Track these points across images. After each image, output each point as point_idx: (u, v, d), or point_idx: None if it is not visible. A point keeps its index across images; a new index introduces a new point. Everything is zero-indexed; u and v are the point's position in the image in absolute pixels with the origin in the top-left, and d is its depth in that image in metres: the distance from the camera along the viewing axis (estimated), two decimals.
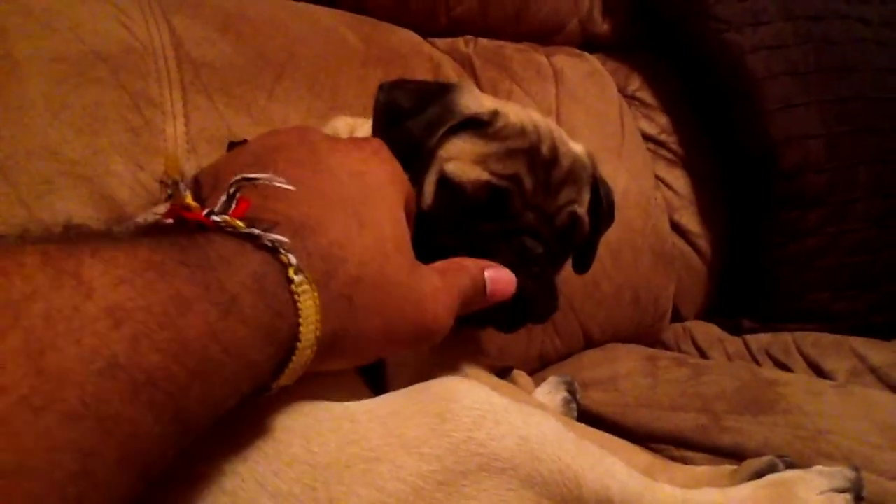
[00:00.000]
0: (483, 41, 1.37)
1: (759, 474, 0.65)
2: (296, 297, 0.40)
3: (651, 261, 1.32)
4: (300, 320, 0.40)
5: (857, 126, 1.35)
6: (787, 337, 1.22)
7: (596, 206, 0.84)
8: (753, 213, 1.37)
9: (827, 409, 0.89)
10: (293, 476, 0.44)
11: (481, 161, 0.72)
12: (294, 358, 0.41)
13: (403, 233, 0.52)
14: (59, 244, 0.32)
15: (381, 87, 0.76)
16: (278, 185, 0.44)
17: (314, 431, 0.46)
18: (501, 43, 1.39)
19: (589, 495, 0.49)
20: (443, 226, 0.70)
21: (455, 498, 0.45)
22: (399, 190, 0.54)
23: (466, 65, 1.30)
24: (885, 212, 1.33)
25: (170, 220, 0.41)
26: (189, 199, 0.41)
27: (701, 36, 1.40)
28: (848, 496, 0.61)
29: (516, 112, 0.78)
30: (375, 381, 0.61)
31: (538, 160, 0.75)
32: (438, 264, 0.55)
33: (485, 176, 0.71)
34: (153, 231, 0.39)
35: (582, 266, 0.90)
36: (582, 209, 0.79)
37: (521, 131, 0.75)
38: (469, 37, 1.37)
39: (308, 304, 0.40)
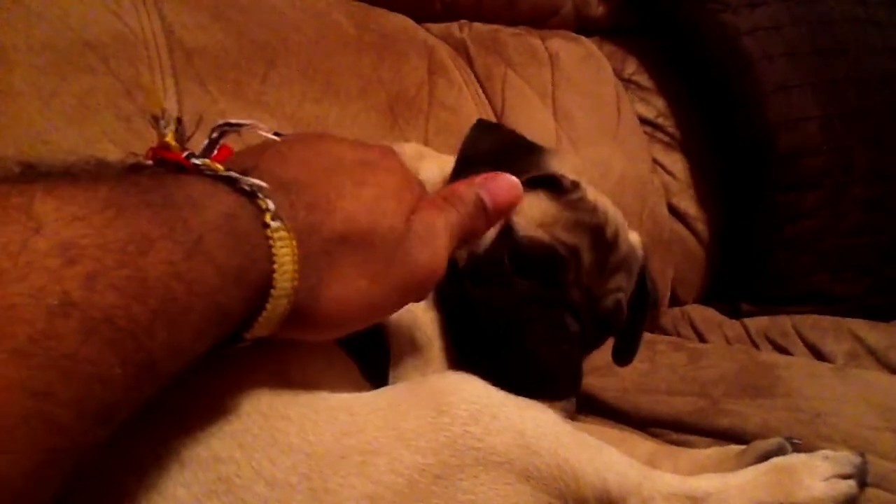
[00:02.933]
0: (478, 25, 1.36)
1: (766, 456, 0.65)
2: (271, 242, 0.38)
3: (649, 245, 1.31)
4: (274, 267, 0.39)
5: (853, 108, 1.34)
6: (785, 320, 1.22)
7: (642, 298, 0.83)
8: (750, 196, 1.37)
9: (825, 391, 0.89)
10: (289, 465, 0.44)
11: (549, 223, 0.72)
12: (268, 306, 0.39)
13: (402, 187, 0.49)
14: (12, 182, 0.31)
15: (477, 124, 0.77)
16: (261, 132, 0.43)
17: (311, 421, 0.46)
18: (496, 27, 1.38)
19: (586, 488, 0.49)
20: (490, 274, 0.69)
21: (451, 492, 0.45)
22: (405, 179, 0.51)
23: (461, 50, 1.29)
24: (881, 194, 1.33)
25: (149, 161, 0.40)
26: (171, 138, 0.40)
27: (696, 18, 1.40)
28: (852, 482, 0.61)
29: (592, 190, 0.78)
30: (377, 375, 0.60)
31: (601, 241, 0.74)
32: (430, 199, 0.51)
33: (548, 239, 0.70)
34: (122, 171, 0.38)
35: (624, 357, 0.88)
36: (625, 298, 0.77)
37: (593, 209, 0.75)
38: (464, 21, 1.36)
39: (284, 251, 0.39)
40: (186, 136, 0.41)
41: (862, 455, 0.63)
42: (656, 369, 1.03)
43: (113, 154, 0.82)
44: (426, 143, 1.08)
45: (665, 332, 1.32)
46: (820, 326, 1.18)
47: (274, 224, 0.39)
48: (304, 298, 0.41)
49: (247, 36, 0.99)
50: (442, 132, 1.11)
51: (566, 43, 1.43)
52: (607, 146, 1.30)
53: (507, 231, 0.70)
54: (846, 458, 0.62)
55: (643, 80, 1.51)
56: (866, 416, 0.82)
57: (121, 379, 0.32)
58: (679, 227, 1.44)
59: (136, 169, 0.39)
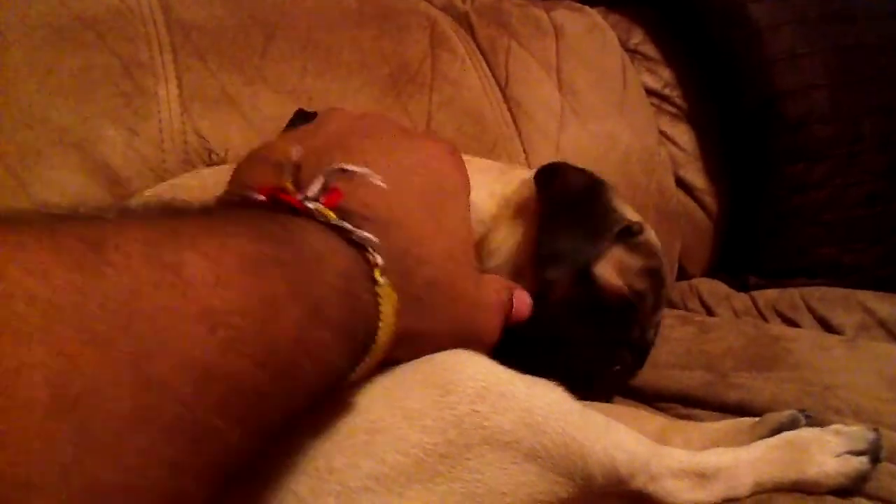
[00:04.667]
0: None
1: (779, 429, 0.64)
2: (378, 299, 0.39)
3: (655, 218, 1.30)
4: (379, 323, 0.39)
5: (862, 76, 1.32)
6: (794, 292, 1.21)
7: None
8: (758, 166, 1.35)
9: (835, 363, 0.88)
10: (293, 445, 0.43)
11: (624, 271, 0.75)
12: (367, 359, 0.40)
13: (471, 241, 0.52)
14: (159, 230, 0.30)
15: (550, 169, 0.79)
16: (373, 181, 0.43)
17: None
18: None
19: (595, 467, 0.49)
20: (564, 313, 0.72)
21: (458, 471, 0.45)
22: (467, 192, 0.53)
23: (463, 22, 1.27)
24: (889, 164, 1.31)
25: (262, 197, 0.40)
26: (288, 183, 0.40)
27: None
28: (864, 459, 0.60)
29: (648, 228, 0.82)
30: None
31: (658, 282, 0.79)
32: (488, 279, 0.55)
33: (624, 289, 0.74)
34: (245, 216, 0.37)
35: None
36: None
37: (655, 251, 0.80)
38: None
39: (388, 306, 0.40)
40: (303, 181, 0.42)
41: (876, 430, 0.62)
42: (664, 343, 1.02)
43: (111, 130, 0.82)
44: (429, 117, 1.07)
45: (672, 305, 1.31)
46: (829, 298, 1.17)
47: (382, 280, 0.39)
48: (395, 341, 0.42)
49: (245, 10, 0.98)
50: (445, 106, 1.10)
51: (571, 13, 1.41)
52: (613, 119, 1.28)
53: (585, 277, 0.73)
54: (859, 434, 0.61)
55: (649, 50, 1.49)
56: (876, 388, 0.81)
57: (239, 445, 0.31)
58: (686, 200, 1.42)
59: (255, 214, 0.38)
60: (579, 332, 0.72)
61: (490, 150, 1.12)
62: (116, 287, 0.27)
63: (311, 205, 0.39)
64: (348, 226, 0.39)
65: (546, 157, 1.17)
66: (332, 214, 0.39)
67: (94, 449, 0.24)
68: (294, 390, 0.34)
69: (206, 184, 0.73)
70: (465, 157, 0.68)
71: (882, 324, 1.06)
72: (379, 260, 0.39)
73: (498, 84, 1.20)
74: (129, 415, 0.25)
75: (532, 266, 0.73)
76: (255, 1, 0.99)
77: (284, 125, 0.74)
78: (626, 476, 0.51)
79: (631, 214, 0.80)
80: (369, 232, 0.39)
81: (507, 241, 0.77)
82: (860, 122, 1.30)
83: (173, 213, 0.34)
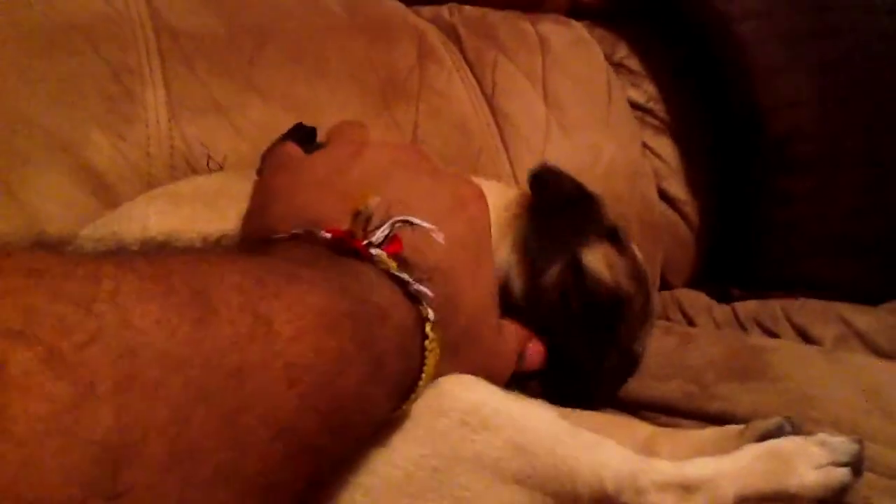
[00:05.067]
0: (467, 9, 1.35)
1: (766, 436, 0.65)
2: (426, 352, 0.40)
3: (639, 229, 1.31)
4: (422, 375, 0.40)
5: (846, 93, 1.33)
6: (774, 304, 1.22)
7: None
8: (742, 180, 1.37)
9: (815, 375, 0.89)
10: None
11: (612, 268, 0.78)
12: (404, 406, 0.41)
13: (495, 290, 0.53)
14: (250, 277, 0.30)
15: (542, 169, 0.83)
16: (434, 235, 0.44)
17: None
18: (486, 10, 1.37)
19: (583, 487, 0.49)
20: (552, 305, 0.73)
21: (447, 487, 0.45)
22: (489, 229, 0.55)
23: (451, 34, 1.28)
24: (874, 180, 1.32)
25: (329, 236, 0.40)
26: (360, 230, 0.41)
27: (688, 1, 1.38)
28: (847, 471, 0.61)
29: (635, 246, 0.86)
30: None
31: (646, 291, 0.82)
32: (508, 326, 0.57)
33: (613, 283, 0.77)
34: (318, 258, 0.38)
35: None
36: None
37: (639, 260, 0.83)
38: (453, 4, 1.35)
39: (432, 359, 0.40)
40: (367, 228, 0.42)
41: (860, 442, 0.63)
42: (646, 353, 1.03)
43: (99, 135, 0.82)
44: (416, 127, 1.08)
45: None
46: (809, 310, 1.18)
47: (431, 335, 0.40)
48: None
49: (235, 18, 0.98)
50: (432, 116, 1.11)
51: (557, 27, 1.42)
52: (598, 131, 1.30)
53: (576, 268, 0.75)
54: (843, 446, 0.62)
55: (634, 64, 1.50)
56: (855, 399, 0.82)
57: (294, 495, 0.31)
58: (669, 212, 1.43)
59: (327, 258, 0.39)
60: (569, 325, 0.73)
61: (476, 161, 1.13)
62: (220, 339, 0.27)
63: (374, 251, 0.40)
64: (408, 278, 0.39)
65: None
66: (393, 264, 0.40)
67: (193, 501, 0.25)
68: (346, 443, 0.35)
69: (202, 191, 0.73)
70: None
71: (860, 336, 1.08)
72: (431, 315, 0.40)
73: (484, 95, 1.21)
74: (221, 469, 0.26)
75: (523, 262, 0.75)
76: (245, 9, 1.00)
77: (275, 135, 0.75)
78: (612, 493, 0.51)
79: (616, 219, 0.83)
80: (422, 283, 0.40)
81: (503, 242, 0.78)
82: (844, 138, 1.31)
83: (259, 254, 0.35)
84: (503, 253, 0.77)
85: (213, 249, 0.35)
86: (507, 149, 1.18)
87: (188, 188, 0.76)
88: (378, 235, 0.41)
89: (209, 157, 0.86)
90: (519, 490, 0.47)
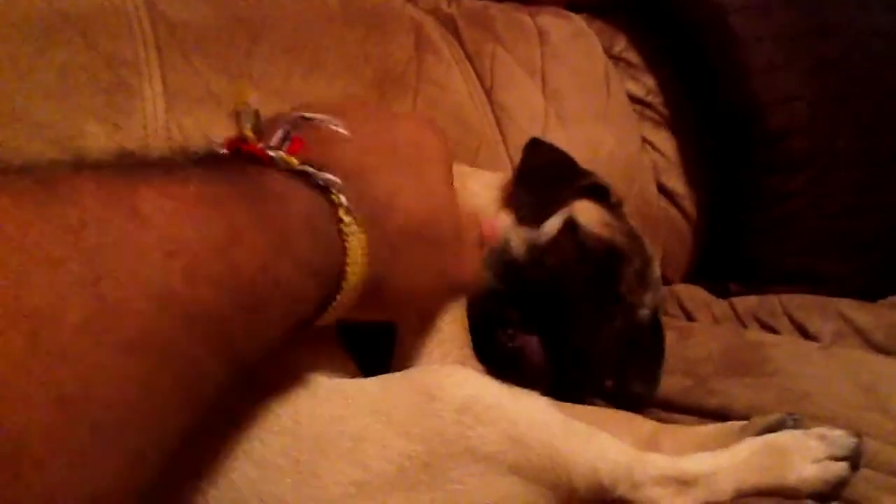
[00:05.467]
0: (466, 1, 1.34)
1: (768, 431, 0.65)
2: (344, 237, 0.40)
3: (637, 224, 1.30)
4: (347, 260, 0.40)
5: (841, 89, 1.33)
6: (773, 299, 1.22)
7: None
8: (737, 176, 1.37)
9: (812, 370, 0.89)
10: (279, 447, 0.43)
11: (606, 227, 0.81)
12: (339, 297, 0.41)
13: (452, 193, 0.52)
14: (113, 171, 0.31)
15: (532, 142, 0.89)
16: (333, 127, 0.44)
17: (305, 404, 0.46)
18: (485, 2, 1.37)
19: (578, 479, 0.49)
20: (553, 263, 0.75)
21: (440, 481, 0.45)
22: (449, 162, 0.54)
23: (449, 25, 1.27)
24: (868, 175, 1.33)
25: (226, 151, 0.41)
26: (248, 131, 0.41)
27: None
28: (845, 465, 0.61)
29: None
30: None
31: (644, 253, 0.83)
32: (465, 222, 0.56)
33: (608, 239, 0.79)
34: (206, 162, 0.38)
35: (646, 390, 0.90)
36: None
37: (633, 225, 0.86)
38: None
39: (355, 245, 0.40)
40: (261, 130, 0.42)
41: (858, 436, 0.63)
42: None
43: (94, 126, 0.81)
44: None
45: None
46: (807, 306, 1.18)
47: (347, 219, 0.40)
48: (368, 288, 0.43)
49: (231, 10, 0.97)
50: (430, 108, 1.10)
51: (555, 19, 1.41)
52: (596, 124, 1.29)
53: (572, 226, 0.78)
54: (841, 440, 0.62)
55: (632, 57, 1.50)
56: (853, 395, 0.82)
57: (213, 373, 0.32)
58: (667, 206, 1.43)
59: (217, 160, 0.40)
60: (570, 284, 0.74)
61: (474, 153, 1.12)
62: (66, 217, 0.28)
63: (272, 153, 0.39)
64: (310, 169, 0.40)
65: None
66: (294, 161, 0.39)
67: (48, 356, 0.26)
68: (264, 320, 0.35)
69: None
70: (460, 167, 0.69)
71: (859, 332, 1.08)
72: (343, 200, 0.40)
73: (483, 88, 1.21)
74: (83, 327, 0.27)
75: (520, 225, 0.78)
76: (241, 1, 0.99)
77: None
78: (608, 485, 0.51)
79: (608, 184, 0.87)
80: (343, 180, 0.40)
81: (502, 213, 0.81)
82: (838, 135, 1.31)
83: (130, 161, 0.35)
84: (503, 221, 0.79)
85: (88, 162, 0.35)
86: (505, 141, 1.18)
87: None
88: (275, 138, 0.41)
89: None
90: (515, 482, 0.47)
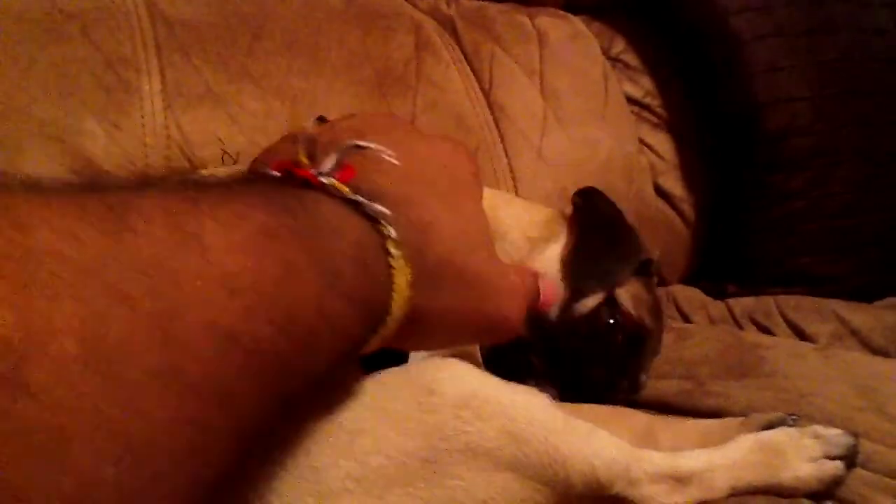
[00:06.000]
0: (464, 1, 1.34)
1: (767, 428, 0.65)
2: (392, 270, 0.40)
3: (635, 225, 1.31)
4: (393, 294, 0.40)
5: (842, 89, 1.33)
6: (769, 300, 1.22)
7: None
8: (737, 176, 1.37)
9: (809, 371, 0.89)
10: (276, 441, 0.43)
11: (638, 305, 0.83)
12: (382, 329, 0.41)
13: (487, 227, 0.52)
14: (179, 199, 0.31)
15: (587, 193, 0.89)
16: (386, 157, 0.44)
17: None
18: (484, 3, 1.37)
19: (575, 476, 0.49)
20: (586, 332, 0.78)
21: (439, 476, 0.45)
22: (480, 187, 0.54)
23: (448, 26, 1.27)
24: (868, 176, 1.33)
25: (277, 173, 0.41)
26: (303, 157, 0.41)
27: None
28: (840, 464, 0.61)
29: None
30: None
31: (660, 325, 0.86)
32: (511, 265, 0.55)
33: (641, 319, 0.82)
34: (263, 188, 0.38)
35: None
36: None
37: (658, 300, 0.88)
38: None
39: (401, 278, 0.40)
40: (317, 156, 0.42)
41: (855, 436, 0.63)
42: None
43: (93, 124, 0.81)
44: (413, 119, 1.07)
45: None
46: (803, 307, 1.18)
47: (395, 252, 0.40)
48: (408, 319, 0.43)
49: (230, 8, 0.97)
50: (429, 108, 1.10)
51: (554, 20, 1.42)
52: (595, 125, 1.29)
53: (612, 302, 0.80)
54: (837, 439, 0.62)
55: (631, 59, 1.50)
56: (850, 396, 0.82)
57: (264, 410, 0.32)
58: (665, 208, 1.43)
59: (273, 186, 0.39)
60: (595, 354, 0.78)
61: (473, 154, 1.12)
62: (140, 251, 0.27)
63: (324, 179, 0.39)
64: (361, 199, 0.39)
65: (528, 161, 1.18)
66: (345, 189, 0.39)
67: (121, 402, 0.25)
68: (314, 357, 0.35)
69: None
70: (490, 191, 0.69)
71: (855, 333, 1.08)
72: (392, 232, 0.39)
73: (482, 88, 1.21)
74: (155, 370, 0.26)
75: (565, 280, 0.80)
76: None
77: (271, 125, 0.75)
78: (605, 483, 0.51)
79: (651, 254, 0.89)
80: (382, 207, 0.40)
81: (547, 251, 0.83)
82: (839, 135, 1.31)
83: (192, 185, 0.35)
84: (544, 261, 0.82)
85: (151, 184, 0.35)
86: (504, 141, 1.18)
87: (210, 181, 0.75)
88: (326, 164, 0.41)
89: (224, 151, 0.86)
90: (512, 478, 0.47)
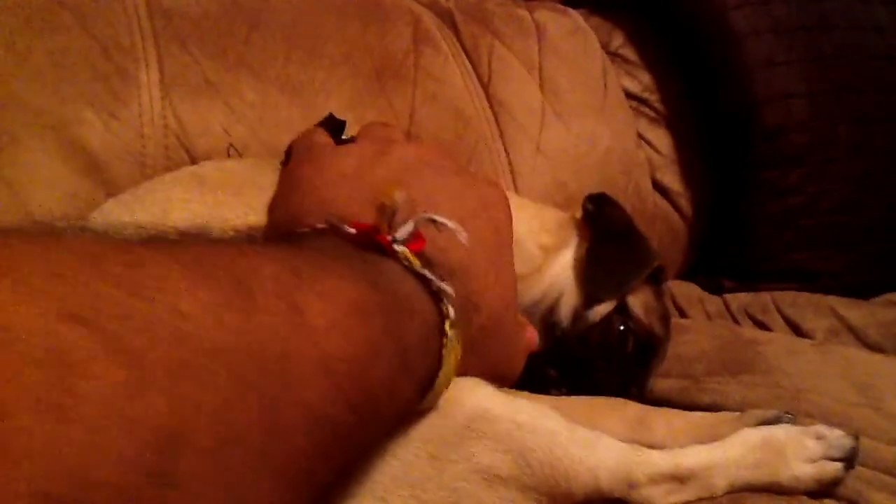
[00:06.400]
0: None
1: (763, 424, 0.65)
2: (444, 351, 0.40)
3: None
4: (441, 372, 0.41)
5: (839, 85, 1.33)
6: (765, 296, 1.22)
7: None
8: (734, 172, 1.36)
9: (806, 368, 0.89)
10: None
11: (649, 313, 0.84)
12: (423, 402, 0.42)
13: (514, 278, 0.54)
14: (286, 268, 0.31)
15: (599, 200, 0.89)
16: (457, 234, 0.44)
17: None
18: None
19: (577, 487, 0.50)
20: (597, 341, 0.79)
21: (445, 477, 0.45)
22: (512, 239, 0.56)
23: (447, 19, 1.26)
24: (864, 172, 1.33)
25: (353, 231, 0.41)
26: (385, 225, 0.41)
27: None
28: (840, 465, 0.61)
29: None
30: None
31: (668, 336, 0.87)
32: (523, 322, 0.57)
33: (652, 327, 0.83)
34: (345, 252, 0.38)
35: None
36: None
37: (667, 308, 0.89)
38: None
39: (451, 358, 0.41)
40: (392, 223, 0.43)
41: (856, 438, 0.63)
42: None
43: (90, 113, 0.80)
44: (412, 112, 1.07)
45: None
46: (800, 303, 1.18)
47: (451, 333, 0.40)
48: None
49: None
50: (428, 102, 1.10)
51: (553, 15, 1.41)
52: (593, 120, 1.29)
53: (623, 309, 0.81)
54: (839, 441, 0.62)
55: (629, 54, 1.49)
56: (846, 392, 0.82)
57: (326, 485, 0.32)
58: (662, 203, 1.43)
59: (350, 246, 0.40)
60: (607, 361, 0.79)
61: (472, 148, 1.12)
62: (261, 329, 0.27)
63: (398, 248, 0.40)
64: (430, 275, 0.40)
65: (527, 155, 1.17)
66: (416, 261, 0.40)
67: (237, 491, 0.25)
68: (375, 433, 0.36)
69: (229, 178, 0.72)
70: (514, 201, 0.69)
71: (851, 329, 1.08)
72: (451, 312, 0.40)
73: (480, 82, 1.20)
74: (262, 456, 0.26)
75: (578, 287, 0.81)
76: None
77: (270, 115, 0.74)
78: (607, 490, 0.52)
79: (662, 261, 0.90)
80: (444, 281, 0.41)
81: (557, 259, 0.83)
82: (836, 130, 1.31)
83: (290, 246, 0.36)
84: (558, 269, 0.82)
85: (245, 240, 0.36)
86: (502, 135, 1.18)
87: (215, 174, 0.74)
88: (402, 232, 0.42)
89: (231, 145, 0.86)
90: (514, 489, 0.48)
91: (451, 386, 0.48)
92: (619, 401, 0.74)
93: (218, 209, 0.64)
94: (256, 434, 0.26)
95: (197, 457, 0.23)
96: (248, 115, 0.89)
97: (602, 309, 0.80)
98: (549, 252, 0.84)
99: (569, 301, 0.80)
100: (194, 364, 0.24)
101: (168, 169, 0.83)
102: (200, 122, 0.87)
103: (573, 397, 0.69)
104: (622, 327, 0.80)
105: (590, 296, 0.80)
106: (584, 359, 0.77)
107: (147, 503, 0.22)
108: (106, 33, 0.84)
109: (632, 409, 0.71)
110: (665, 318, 0.87)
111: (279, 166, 0.67)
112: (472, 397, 0.48)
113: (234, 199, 0.66)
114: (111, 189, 0.80)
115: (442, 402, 0.47)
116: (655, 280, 0.88)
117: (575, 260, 0.84)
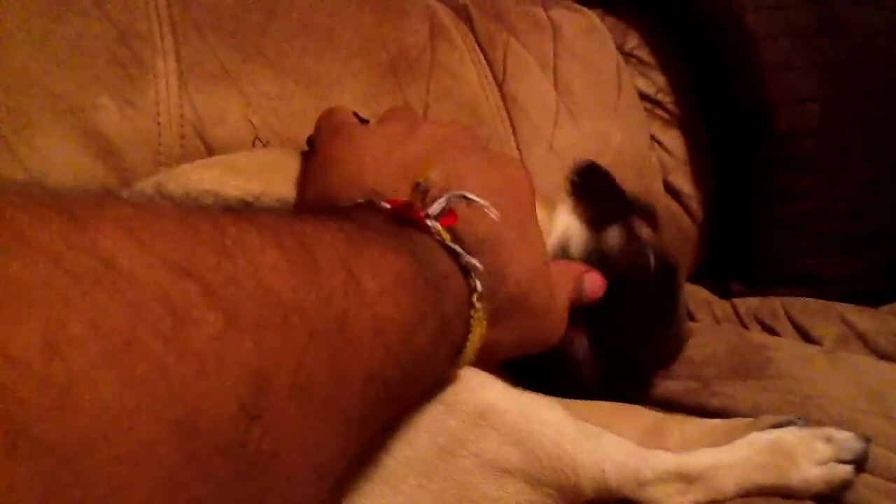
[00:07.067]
0: None
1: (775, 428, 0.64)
2: (471, 321, 0.42)
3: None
4: (467, 342, 0.43)
5: (853, 90, 1.33)
6: (775, 301, 1.22)
7: None
8: (746, 175, 1.36)
9: (816, 374, 0.89)
10: None
11: (655, 238, 0.85)
12: (450, 372, 0.44)
13: (544, 247, 0.55)
14: (340, 237, 0.33)
15: (587, 168, 0.91)
16: (487, 210, 0.47)
17: None
18: None
19: (586, 481, 0.50)
20: (621, 266, 0.78)
21: (454, 468, 0.46)
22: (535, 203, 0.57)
23: (462, 14, 1.26)
24: (877, 178, 1.32)
25: (388, 206, 0.43)
26: (419, 202, 0.44)
27: None
28: (850, 468, 0.61)
29: None
30: None
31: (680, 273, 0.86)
32: (556, 268, 0.57)
33: (663, 246, 0.83)
34: (383, 225, 0.41)
35: None
36: None
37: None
38: None
39: (477, 330, 0.43)
40: (425, 200, 0.45)
41: (868, 441, 0.62)
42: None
43: (106, 99, 0.80)
44: (426, 107, 1.06)
45: None
46: (809, 309, 1.18)
47: (478, 305, 0.42)
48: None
49: None
50: (443, 97, 1.09)
51: (569, 13, 1.41)
52: (607, 120, 1.29)
53: (635, 235, 0.82)
54: (849, 444, 0.62)
55: (644, 55, 1.49)
56: (856, 399, 0.82)
57: (373, 434, 0.36)
58: (673, 205, 1.43)
59: (388, 221, 0.42)
60: (631, 290, 0.76)
61: (485, 144, 1.12)
62: (324, 290, 0.30)
63: (430, 223, 0.42)
64: (460, 250, 0.42)
65: (539, 153, 1.17)
66: (447, 236, 0.42)
67: (308, 429, 0.28)
68: (414, 394, 0.39)
69: (258, 165, 0.73)
70: None
71: (861, 336, 1.07)
72: (479, 286, 0.42)
73: (495, 79, 1.20)
74: (329, 403, 0.29)
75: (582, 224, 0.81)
76: None
77: (286, 106, 0.74)
78: (615, 487, 0.52)
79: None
80: (472, 255, 0.43)
81: (558, 210, 0.84)
82: (849, 136, 1.31)
83: (339, 216, 0.37)
84: (560, 222, 0.82)
85: (297, 211, 0.38)
86: (515, 133, 1.17)
87: (244, 161, 0.75)
88: (435, 208, 0.44)
89: (257, 137, 0.86)
90: (522, 482, 0.48)
91: (462, 381, 0.48)
92: (634, 408, 0.74)
93: (247, 194, 0.65)
94: (325, 382, 0.29)
95: (277, 396, 0.26)
96: (263, 105, 0.89)
97: (612, 238, 0.80)
98: (551, 212, 0.85)
99: (577, 239, 0.81)
100: (275, 316, 0.27)
101: (183, 158, 0.83)
102: (217, 111, 0.87)
103: (587, 403, 0.69)
104: (638, 246, 0.81)
105: (595, 223, 0.81)
106: (613, 296, 0.73)
107: (238, 427, 0.24)
108: (124, 19, 0.84)
109: (646, 416, 0.71)
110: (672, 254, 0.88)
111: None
112: (481, 393, 0.48)
113: (263, 184, 0.66)
114: (125, 176, 0.80)
115: (452, 397, 0.47)
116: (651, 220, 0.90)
117: (573, 207, 0.85)
